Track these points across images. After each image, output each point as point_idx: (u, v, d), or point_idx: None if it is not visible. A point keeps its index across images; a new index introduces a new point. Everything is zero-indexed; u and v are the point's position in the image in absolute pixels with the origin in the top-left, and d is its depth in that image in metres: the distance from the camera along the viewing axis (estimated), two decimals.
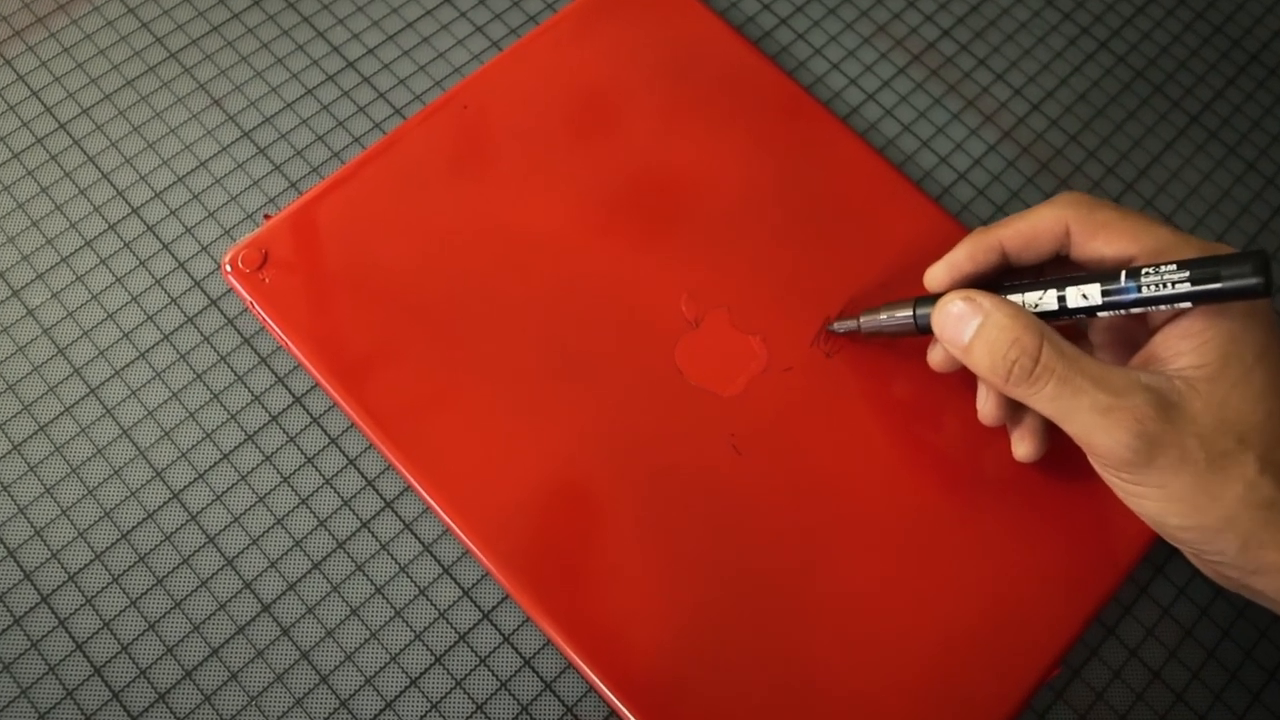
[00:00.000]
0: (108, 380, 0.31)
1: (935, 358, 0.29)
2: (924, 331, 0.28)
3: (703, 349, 0.31)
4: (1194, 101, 0.38)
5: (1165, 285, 0.23)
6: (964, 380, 0.30)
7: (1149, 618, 0.31)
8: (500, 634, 0.29)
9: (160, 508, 0.30)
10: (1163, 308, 0.24)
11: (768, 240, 0.32)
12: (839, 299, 0.32)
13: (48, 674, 0.28)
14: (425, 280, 0.31)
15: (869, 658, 0.28)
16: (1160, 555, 0.31)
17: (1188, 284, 0.23)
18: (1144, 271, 0.23)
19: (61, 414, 0.31)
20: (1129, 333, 0.28)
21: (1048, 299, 0.25)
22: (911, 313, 0.28)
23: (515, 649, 0.29)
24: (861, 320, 0.30)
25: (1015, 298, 0.26)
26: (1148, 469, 0.24)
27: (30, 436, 0.31)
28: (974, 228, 0.35)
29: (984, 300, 0.25)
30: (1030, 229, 0.26)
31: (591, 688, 0.28)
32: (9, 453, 0.30)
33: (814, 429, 0.30)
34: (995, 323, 0.25)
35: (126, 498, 0.30)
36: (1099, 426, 0.23)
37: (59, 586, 0.29)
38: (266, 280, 0.31)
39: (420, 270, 0.31)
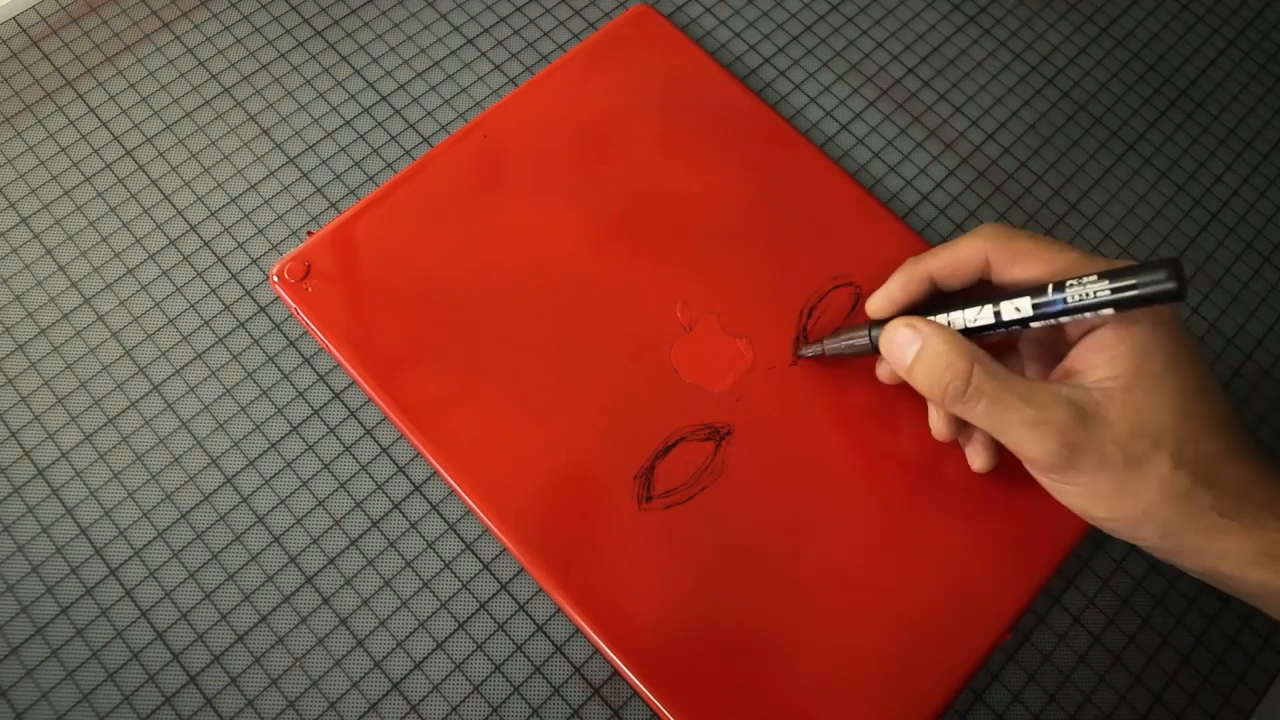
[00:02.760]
0: (168, 378, 0.31)
1: (882, 372, 0.29)
2: (879, 351, 0.28)
3: (696, 350, 0.31)
4: (1130, 131, 0.38)
5: (1089, 295, 0.23)
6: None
7: (1090, 588, 0.31)
8: (516, 603, 0.29)
9: (215, 491, 0.30)
10: (1088, 315, 0.23)
11: (753, 253, 0.32)
12: (818, 307, 0.32)
13: (115, 638, 0.28)
14: (450, 289, 0.31)
15: (842, 625, 0.28)
16: (1101, 533, 0.31)
17: (1108, 292, 0.22)
18: (1069, 284, 0.23)
19: (128, 408, 0.31)
20: (1055, 346, 0.27)
21: (985, 314, 0.25)
22: (867, 335, 0.28)
23: (530, 616, 0.29)
24: (825, 344, 0.30)
25: (956, 314, 0.26)
26: (1072, 471, 0.24)
27: (100, 428, 0.30)
28: (935, 243, 0.35)
29: (924, 327, 0.25)
30: (954, 260, 0.26)
31: (597, 650, 0.28)
32: (81, 443, 0.30)
33: (794, 422, 0.30)
34: (932, 348, 0.25)
35: (185, 483, 0.30)
36: (1027, 438, 0.24)
37: (125, 561, 0.29)
38: (309, 289, 0.31)
39: (445, 280, 0.31)
